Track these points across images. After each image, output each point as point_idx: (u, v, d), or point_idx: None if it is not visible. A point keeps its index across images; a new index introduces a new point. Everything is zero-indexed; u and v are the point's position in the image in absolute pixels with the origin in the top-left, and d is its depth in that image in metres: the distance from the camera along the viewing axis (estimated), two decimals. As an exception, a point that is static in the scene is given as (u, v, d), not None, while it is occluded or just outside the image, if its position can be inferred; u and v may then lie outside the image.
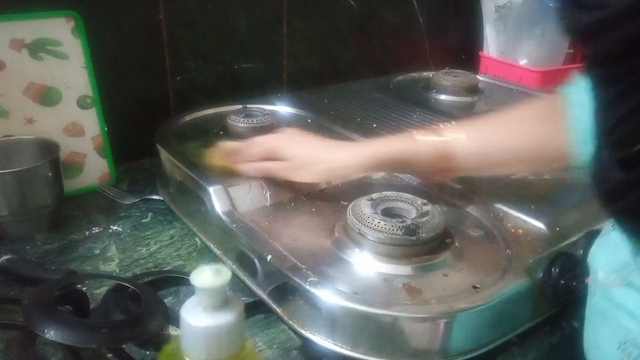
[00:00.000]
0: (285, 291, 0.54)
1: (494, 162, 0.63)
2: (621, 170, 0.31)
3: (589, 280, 0.48)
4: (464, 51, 1.39)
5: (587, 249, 0.58)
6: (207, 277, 0.31)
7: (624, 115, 0.30)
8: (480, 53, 1.34)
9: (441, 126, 0.65)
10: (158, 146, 0.78)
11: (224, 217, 0.63)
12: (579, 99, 0.54)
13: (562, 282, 0.54)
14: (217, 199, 0.64)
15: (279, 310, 0.55)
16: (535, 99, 0.74)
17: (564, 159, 0.57)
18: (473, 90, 1.09)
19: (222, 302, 0.32)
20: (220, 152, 0.72)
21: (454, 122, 0.84)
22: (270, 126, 0.81)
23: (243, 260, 0.61)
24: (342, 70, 1.18)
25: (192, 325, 0.31)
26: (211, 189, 0.65)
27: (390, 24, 1.22)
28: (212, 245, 0.67)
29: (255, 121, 0.80)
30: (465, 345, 0.50)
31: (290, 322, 0.53)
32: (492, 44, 1.31)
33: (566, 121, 0.56)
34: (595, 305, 0.46)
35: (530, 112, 0.63)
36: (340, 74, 1.17)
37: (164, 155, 0.77)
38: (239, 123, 0.80)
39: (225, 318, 0.31)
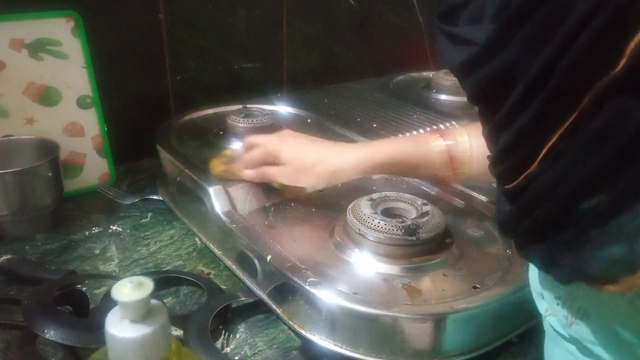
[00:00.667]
0: (285, 291, 0.54)
1: None
2: (507, 202, 0.31)
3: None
4: (464, 51, 1.39)
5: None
6: (128, 291, 0.32)
7: (498, 153, 0.30)
8: (480, 53, 1.34)
9: (442, 128, 0.65)
10: (158, 146, 0.78)
11: (224, 217, 0.63)
12: None
13: None
14: (217, 199, 0.64)
15: (279, 311, 0.55)
16: None
17: None
18: (473, 90, 1.09)
19: (145, 313, 0.32)
20: (222, 159, 0.72)
21: (455, 124, 0.84)
22: (271, 126, 0.81)
23: (243, 260, 0.61)
24: (342, 70, 1.18)
25: (117, 337, 0.32)
26: (211, 189, 0.65)
27: (390, 24, 1.22)
28: (212, 245, 0.67)
29: (255, 121, 0.80)
30: (465, 345, 0.50)
31: (290, 322, 0.53)
32: (492, 44, 1.31)
33: None
34: (549, 330, 0.45)
35: None
36: (340, 74, 1.17)
37: (164, 155, 0.77)
38: (239, 123, 0.80)
39: (149, 328, 0.32)
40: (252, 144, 0.68)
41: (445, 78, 1.09)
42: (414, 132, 0.84)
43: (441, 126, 0.87)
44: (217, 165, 0.71)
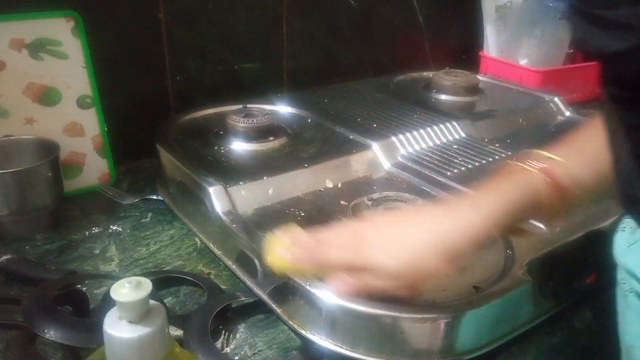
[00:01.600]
0: (285, 291, 0.54)
1: (602, 173, 0.49)
2: None
3: (620, 278, 0.49)
4: (464, 51, 1.39)
5: (587, 249, 0.58)
6: (126, 291, 0.32)
7: None
8: (480, 53, 1.34)
9: (529, 161, 0.53)
10: (158, 146, 0.78)
11: (224, 217, 0.63)
12: None
13: (562, 282, 0.54)
14: (217, 199, 0.64)
15: (279, 310, 0.55)
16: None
17: None
18: (473, 90, 1.09)
19: (143, 314, 0.32)
20: (282, 246, 0.50)
21: (456, 124, 0.83)
22: (270, 126, 0.81)
23: (243, 260, 0.61)
24: (342, 70, 1.17)
25: (114, 337, 0.32)
26: (211, 189, 0.65)
27: (390, 24, 1.22)
28: (212, 245, 0.67)
29: (255, 121, 0.80)
30: (465, 345, 0.50)
31: (290, 322, 0.53)
32: (492, 43, 1.31)
33: None
34: (633, 305, 0.46)
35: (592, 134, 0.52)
36: (340, 74, 1.17)
37: (164, 155, 0.77)
38: (239, 123, 0.80)
39: (147, 329, 0.32)
40: (330, 244, 0.49)
41: (445, 78, 1.09)
42: (414, 132, 0.84)
43: (441, 126, 0.87)
44: (276, 257, 0.50)
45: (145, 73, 0.91)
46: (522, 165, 0.52)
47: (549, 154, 0.52)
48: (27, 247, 0.68)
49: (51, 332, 0.47)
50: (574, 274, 0.56)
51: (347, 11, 1.13)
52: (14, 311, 0.55)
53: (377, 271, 0.46)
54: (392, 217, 0.52)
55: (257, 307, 0.58)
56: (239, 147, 0.79)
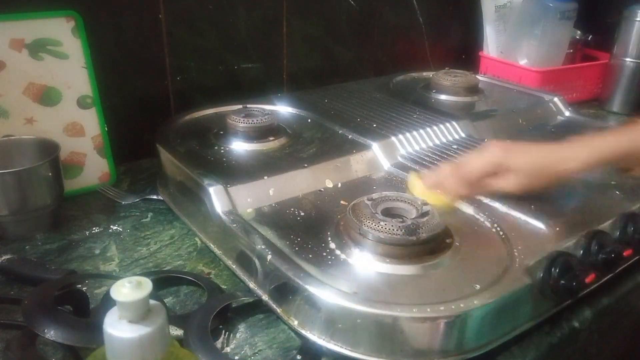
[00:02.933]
0: (285, 291, 0.54)
1: None
2: None
3: None
4: (464, 51, 1.39)
5: (587, 249, 0.58)
6: (126, 291, 0.32)
7: None
8: (480, 53, 1.34)
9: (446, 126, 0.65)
10: (158, 146, 0.78)
11: (224, 217, 0.63)
12: None
13: (562, 282, 0.54)
14: (217, 199, 0.64)
15: (279, 310, 0.55)
16: None
17: None
18: (473, 90, 1.09)
19: (143, 313, 0.32)
20: (424, 184, 0.65)
21: (455, 124, 0.85)
22: (270, 126, 0.81)
23: (243, 260, 0.61)
24: (342, 70, 1.18)
25: (114, 337, 0.32)
26: (211, 189, 0.65)
27: (390, 24, 1.22)
28: (212, 245, 0.67)
29: (255, 121, 0.80)
30: (465, 345, 0.50)
31: (290, 322, 0.53)
32: (492, 44, 1.32)
33: None
34: None
35: None
36: (340, 74, 1.17)
37: (164, 155, 0.77)
38: (239, 123, 0.80)
39: (147, 329, 0.32)
40: (466, 163, 0.64)
41: (445, 78, 1.09)
42: (414, 132, 0.84)
43: (441, 126, 0.87)
44: (422, 189, 0.64)
45: (145, 73, 0.91)
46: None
47: None
48: (27, 247, 0.68)
49: (51, 332, 0.47)
50: (574, 274, 0.56)
51: (347, 11, 1.13)
52: (14, 311, 0.55)
53: (515, 172, 0.61)
54: (516, 143, 0.65)
55: (257, 307, 0.58)
56: (239, 147, 0.79)
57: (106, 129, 0.82)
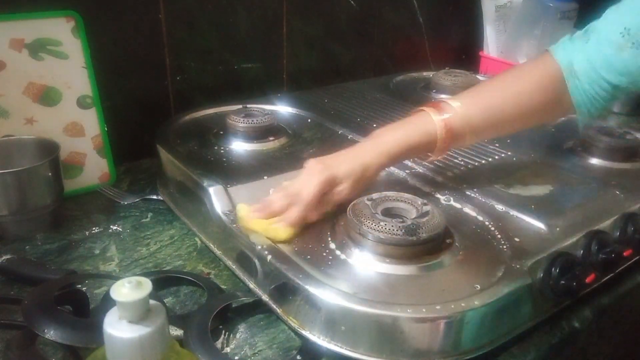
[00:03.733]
0: (285, 291, 0.54)
1: (496, 123, 0.66)
2: None
3: None
4: (464, 51, 1.39)
5: (587, 249, 0.58)
6: (126, 291, 0.32)
7: None
8: (480, 53, 1.34)
9: (434, 101, 0.68)
10: (158, 146, 0.78)
11: (224, 217, 0.63)
12: (571, 65, 0.63)
13: (562, 282, 0.54)
14: (217, 199, 0.64)
15: (279, 310, 0.55)
16: (526, 65, 0.77)
17: (565, 106, 0.65)
18: (473, 90, 1.09)
19: (143, 313, 0.32)
20: (249, 215, 0.61)
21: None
22: (270, 126, 0.81)
23: (243, 260, 0.61)
24: (342, 70, 1.18)
25: (114, 337, 0.32)
26: (211, 189, 0.65)
27: (390, 24, 1.22)
28: (212, 245, 0.67)
29: (255, 121, 0.80)
30: (465, 345, 0.50)
31: (290, 322, 0.53)
32: (492, 44, 1.32)
33: (564, 92, 0.64)
34: None
35: (525, 74, 0.68)
36: (340, 74, 1.17)
37: (164, 155, 0.77)
38: (239, 123, 0.80)
39: (147, 329, 0.32)
40: (290, 188, 0.62)
41: (445, 78, 1.09)
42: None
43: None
44: (255, 223, 0.60)
45: (145, 73, 0.91)
46: (426, 110, 0.66)
47: (452, 102, 0.66)
48: (27, 247, 0.68)
49: (51, 332, 0.47)
50: (574, 274, 0.56)
51: (347, 11, 1.13)
52: (14, 311, 0.55)
53: (345, 180, 0.62)
54: (324, 158, 0.65)
55: (257, 307, 0.58)
56: (239, 147, 0.79)
57: (106, 129, 0.82)
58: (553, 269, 0.54)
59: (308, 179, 0.61)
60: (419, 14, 1.26)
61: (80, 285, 0.59)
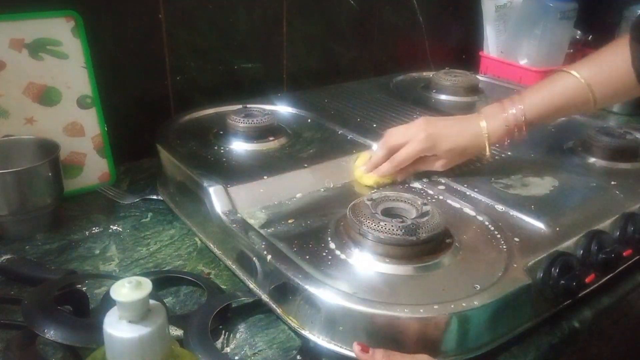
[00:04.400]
0: (285, 291, 0.54)
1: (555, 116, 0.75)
2: None
3: None
4: (464, 51, 1.39)
5: (587, 249, 0.58)
6: (126, 291, 0.32)
7: None
8: (480, 53, 1.34)
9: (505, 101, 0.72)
10: (158, 146, 0.78)
11: (223, 217, 0.63)
12: None
13: (562, 282, 0.54)
14: (217, 199, 0.64)
15: (279, 310, 0.55)
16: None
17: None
18: (473, 90, 1.09)
19: (143, 313, 0.32)
20: (363, 164, 0.74)
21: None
22: (270, 126, 0.81)
23: (243, 260, 0.61)
24: (342, 70, 1.18)
25: (114, 337, 0.32)
26: (211, 189, 0.65)
27: (390, 24, 1.22)
28: (211, 245, 0.67)
29: (255, 121, 0.80)
30: (465, 345, 0.50)
31: (290, 322, 0.53)
32: (492, 44, 1.32)
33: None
34: None
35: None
36: (340, 74, 1.17)
37: (164, 155, 0.77)
38: (239, 123, 0.80)
39: (147, 329, 0.32)
40: (394, 143, 0.71)
41: (445, 78, 1.09)
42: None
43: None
44: (363, 176, 0.73)
45: (145, 73, 0.91)
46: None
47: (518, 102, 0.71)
48: (27, 247, 0.68)
49: (51, 332, 0.47)
50: (574, 274, 0.56)
51: (347, 11, 1.13)
52: (14, 311, 0.55)
53: (440, 157, 0.71)
54: (437, 120, 0.74)
55: (257, 307, 0.58)
56: (239, 147, 0.79)
57: (106, 128, 0.82)
58: (553, 269, 0.55)
59: (410, 144, 0.70)
60: (419, 14, 1.26)
61: (80, 285, 0.59)
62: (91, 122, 0.80)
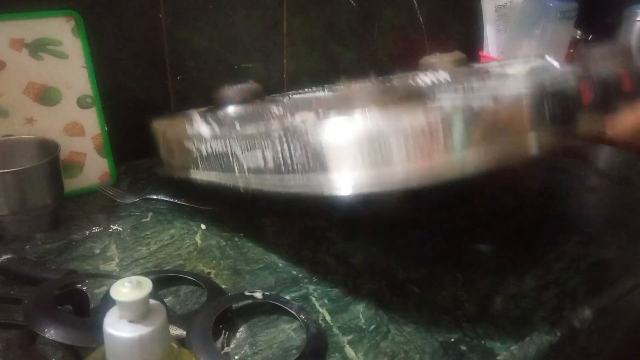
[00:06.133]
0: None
1: None
2: None
3: None
4: (464, 51, 1.38)
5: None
6: (126, 290, 0.32)
7: None
8: (480, 53, 1.34)
9: None
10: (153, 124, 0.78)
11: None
12: None
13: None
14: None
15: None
16: None
17: None
18: (473, 90, 1.09)
19: (143, 313, 0.32)
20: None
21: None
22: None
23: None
24: (342, 70, 1.17)
25: (114, 337, 0.32)
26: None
27: (390, 24, 1.22)
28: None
29: (255, 121, 0.80)
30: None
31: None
32: (492, 44, 1.31)
33: None
34: None
35: None
36: (340, 74, 1.17)
37: (158, 124, 0.76)
38: (239, 123, 0.80)
39: (147, 329, 0.32)
40: None
41: (445, 78, 1.09)
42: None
43: None
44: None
45: (145, 73, 0.91)
46: None
47: None
48: (27, 246, 0.68)
49: (51, 332, 0.47)
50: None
51: (347, 11, 1.13)
52: (14, 311, 0.55)
53: None
54: None
55: (257, 307, 0.58)
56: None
57: (106, 128, 0.82)
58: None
59: None
60: (419, 14, 1.26)
61: (80, 285, 0.58)
62: (91, 122, 0.80)
